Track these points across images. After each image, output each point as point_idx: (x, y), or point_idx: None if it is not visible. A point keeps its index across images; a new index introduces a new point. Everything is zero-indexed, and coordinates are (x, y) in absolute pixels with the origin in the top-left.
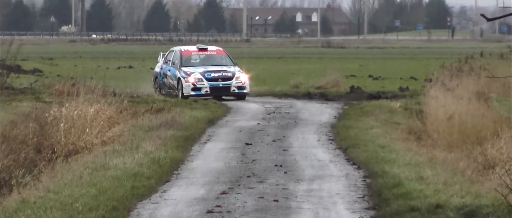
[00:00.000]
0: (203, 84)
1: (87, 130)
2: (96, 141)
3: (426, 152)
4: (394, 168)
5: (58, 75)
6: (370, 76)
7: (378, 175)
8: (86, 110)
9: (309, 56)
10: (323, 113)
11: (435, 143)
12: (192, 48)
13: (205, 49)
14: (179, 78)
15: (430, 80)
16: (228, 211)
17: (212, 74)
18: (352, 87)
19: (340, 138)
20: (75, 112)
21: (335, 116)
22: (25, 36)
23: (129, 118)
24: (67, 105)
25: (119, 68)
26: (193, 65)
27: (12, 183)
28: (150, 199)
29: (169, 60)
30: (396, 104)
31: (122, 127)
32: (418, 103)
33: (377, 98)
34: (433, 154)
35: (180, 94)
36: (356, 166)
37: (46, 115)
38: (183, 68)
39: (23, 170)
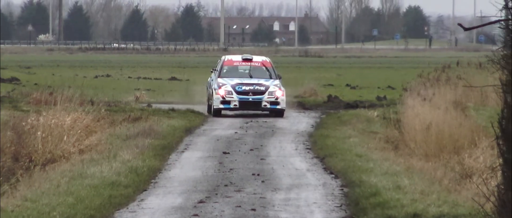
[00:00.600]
0: (232, 97)
1: (64, 139)
2: (74, 149)
3: (404, 161)
4: (372, 177)
5: (35, 84)
6: (347, 85)
7: (355, 184)
8: (63, 119)
9: (286, 65)
10: (300, 122)
11: (413, 152)
12: (236, 58)
13: (250, 60)
14: (212, 89)
15: (407, 90)
16: None
17: (243, 87)
18: (329, 97)
19: (318, 147)
20: (53, 121)
21: (313, 125)
22: (3, 45)
23: (106, 127)
24: (44, 114)
25: (96, 77)
26: (231, 76)
27: None
28: (127, 208)
29: (215, 69)
30: (374, 113)
31: (100, 135)
32: (395, 112)
33: (355, 107)
34: (410, 163)
35: (212, 108)
36: (333, 175)
37: (24, 123)
38: (219, 79)
39: (1, 178)
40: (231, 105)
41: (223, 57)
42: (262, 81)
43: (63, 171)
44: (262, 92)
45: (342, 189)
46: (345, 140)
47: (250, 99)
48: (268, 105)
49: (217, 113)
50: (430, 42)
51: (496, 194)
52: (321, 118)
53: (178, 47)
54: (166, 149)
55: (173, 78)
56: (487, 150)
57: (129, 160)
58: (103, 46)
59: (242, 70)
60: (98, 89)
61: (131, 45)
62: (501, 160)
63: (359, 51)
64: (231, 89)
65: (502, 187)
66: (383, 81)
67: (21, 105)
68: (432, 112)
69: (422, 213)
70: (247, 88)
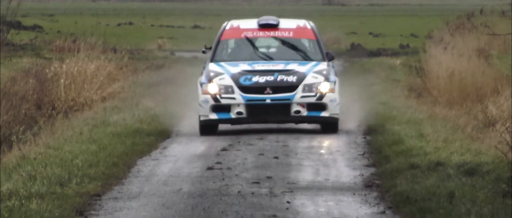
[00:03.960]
0: (233, 98)
1: (86, 86)
2: (96, 97)
3: (427, 109)
4: (394, 125)
5: (58, 32)
6: (370, 33)
7: (378, 132)
8: (86, 66)
9: (309, 13)
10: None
11: (436, 100)
12: (247, 24)
13: (273, 27)
14: (198, 85)
15: (430, 38)
16: (228, 168)
17: (255, 78)
18: (352, 45)
19: (341, 95)
20: (76, 68)
21: (336, 73)
22: None
23: (129, 74)
24: (67, 61)
25: (119, 25)
26: (235, 59)
27: (12, 139)
28: (150, 156)
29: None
30: (397, 61)
31: (123, 83)
32: (418, 60)
33: (378, 55)
34: (433, 111)
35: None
36: (356, 123)
37: (47, 71)
38: (211, 65)
39: (23, 126)
40: (232, 114)
41: (224, 25)
42: (293, 65)
43: (85, 119)
44: (293, 87)
45: (365, 137)
46: (368, 88)
47: (268, 100)
48: (304, 112)
49: (207, 129)
50: None
51: None
52: (344, 65)
53: None
54: (189, 96)
55: (196, 27)
56: (510, 97)
57: (151, 107)
58: None
59: (259, 48)
60: (121, 37)
61: None
62: None
63: (383, 0)
64: (231, 83)
65: None
66: (407, 29)
67: (44, 53)
68: (455, 60)
69: (445, 161)
70: (263, 79)
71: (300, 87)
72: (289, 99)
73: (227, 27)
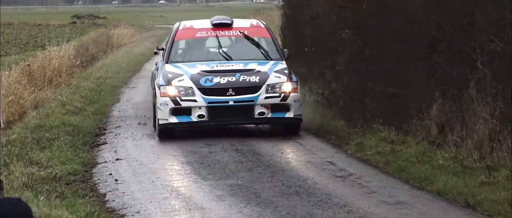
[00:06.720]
0: (195, 100)
1: None
2: None
3: None
4: None
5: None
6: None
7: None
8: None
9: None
10: None
11: None
12: (200, 24)
13: (227, 26)
14: (156, 87)
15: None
16: None
17: (216, 79)
18: None
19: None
20: None
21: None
22: None
23: None
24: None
25: None
26: (191, 60)
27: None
28: None
29: (162, 49)
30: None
31: None
32: None
33: None
34: None
35: (155, 123)
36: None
37: None
38: (167, 67)
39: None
40: (193, 117)
41: (176, 25)
42: (253, 65)
43: None
44: (256, 88)
45: None
46: None
47: (231, 102)
48: (268, 113)
49: (166, 133)
50: None
51: None
52: None
53: None
54: None
55: None
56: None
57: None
58: None
59: (213, 48)
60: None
61: None
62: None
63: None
64: (191, 84)
65: None
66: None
67: None
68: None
69: None
70: (224, 80)
71: (263, 88)
72: (253, 101)
73: (180, 28)
